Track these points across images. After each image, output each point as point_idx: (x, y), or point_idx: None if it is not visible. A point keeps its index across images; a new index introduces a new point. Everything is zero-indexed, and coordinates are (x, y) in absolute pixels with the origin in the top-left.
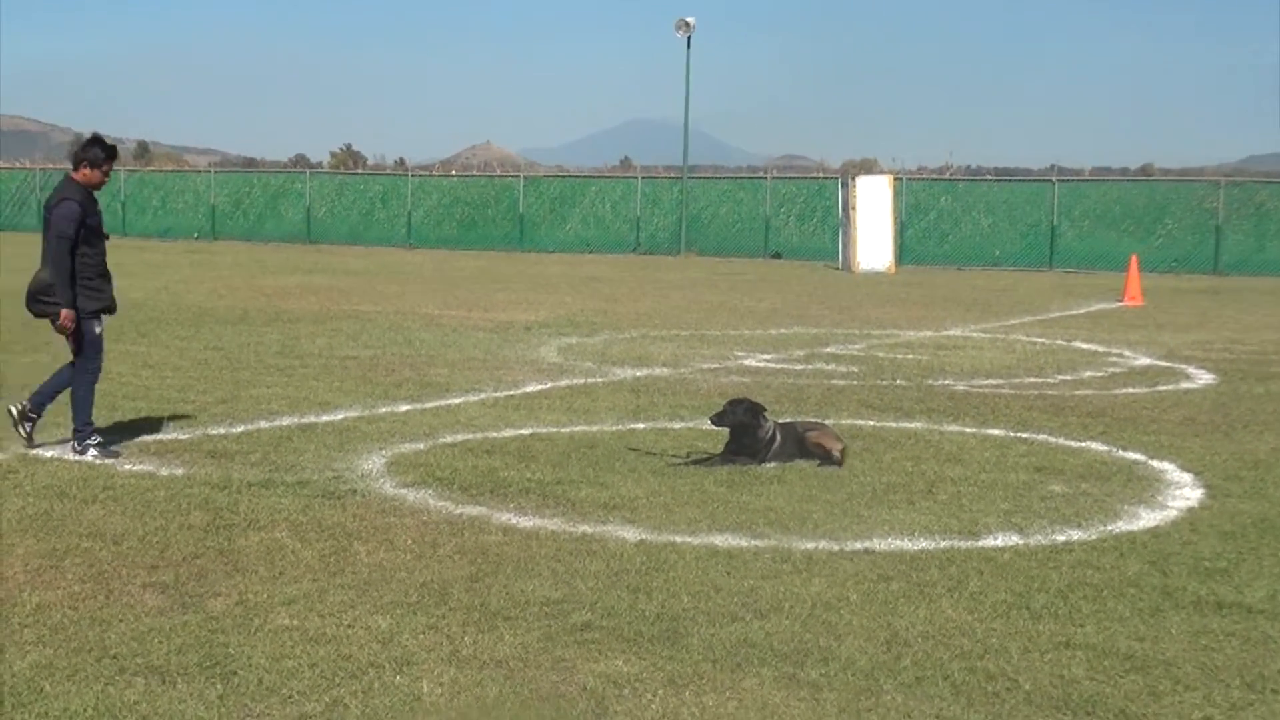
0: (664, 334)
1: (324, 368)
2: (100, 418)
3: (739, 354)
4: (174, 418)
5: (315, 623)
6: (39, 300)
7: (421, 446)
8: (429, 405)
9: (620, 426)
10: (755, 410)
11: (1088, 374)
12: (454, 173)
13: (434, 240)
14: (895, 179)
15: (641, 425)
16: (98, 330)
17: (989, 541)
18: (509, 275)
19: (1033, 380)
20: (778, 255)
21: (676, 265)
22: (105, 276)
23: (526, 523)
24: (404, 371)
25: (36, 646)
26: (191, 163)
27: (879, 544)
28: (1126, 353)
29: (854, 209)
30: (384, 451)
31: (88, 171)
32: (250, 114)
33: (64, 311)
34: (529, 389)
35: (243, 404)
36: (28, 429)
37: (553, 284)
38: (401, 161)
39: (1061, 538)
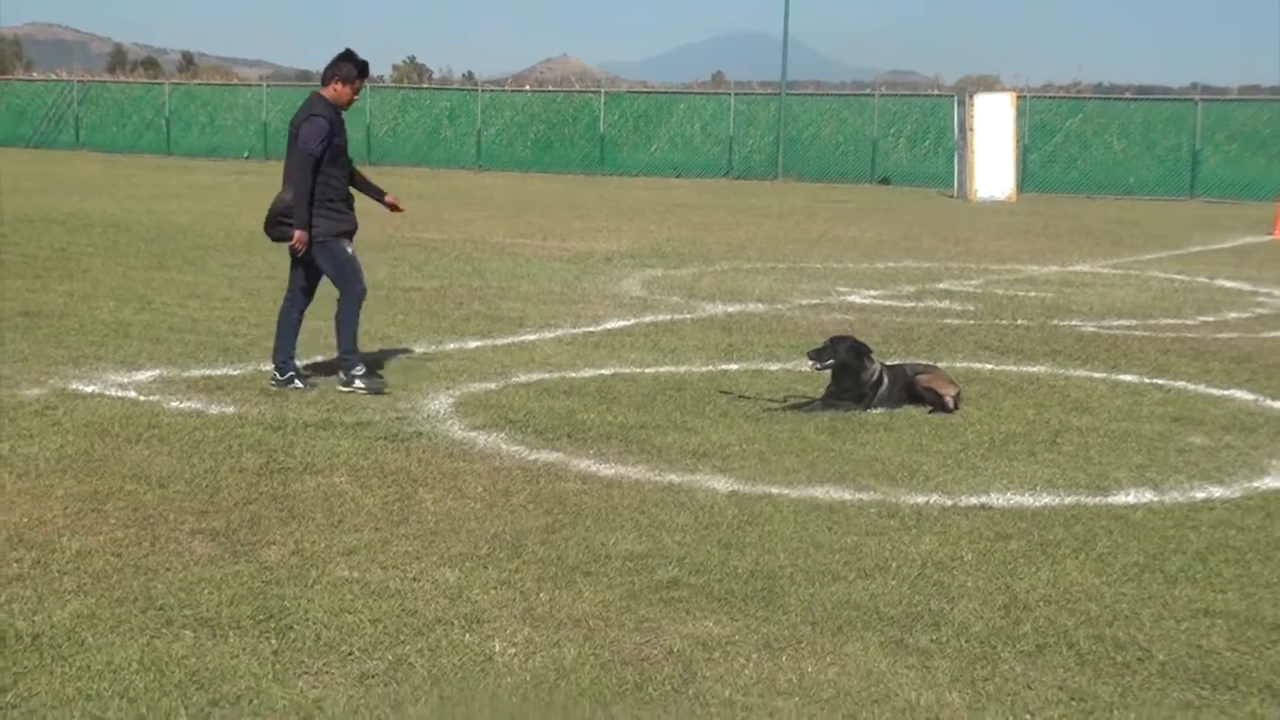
0: (759, 267)
1: (386, 299)
2: (143, 351)
3: (842, 289)
4: (224, 352)
5: (377, 575)
6: (279, 223)
7: (493, 386)
8: (501, 342)
9: (710, 367)
10: (859, 350)
11: (1232, 315)
12: (528, 88)
13: (506, 162)
14: (1018, 97)
15: (734, 366)
16: (349, 249)
17: (1119, 498)
18: (588, 201)
19: (1170, 321)
20: (886, 181)
21: (773, 191)
22: (348, 200)
23: (607, 470)
24: (473, 305)
25: (77, 595)
26: (241, 76)
27: (997, 499)
28: (1277, 292)
29: (971, 130)
30: (452, 391)
31: (339, 87)
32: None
33: (297, 233)
34: (610, 325)
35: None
36: (301, 384)
37: (636, 210)
38: (470, 76)
39: (1201, 495)
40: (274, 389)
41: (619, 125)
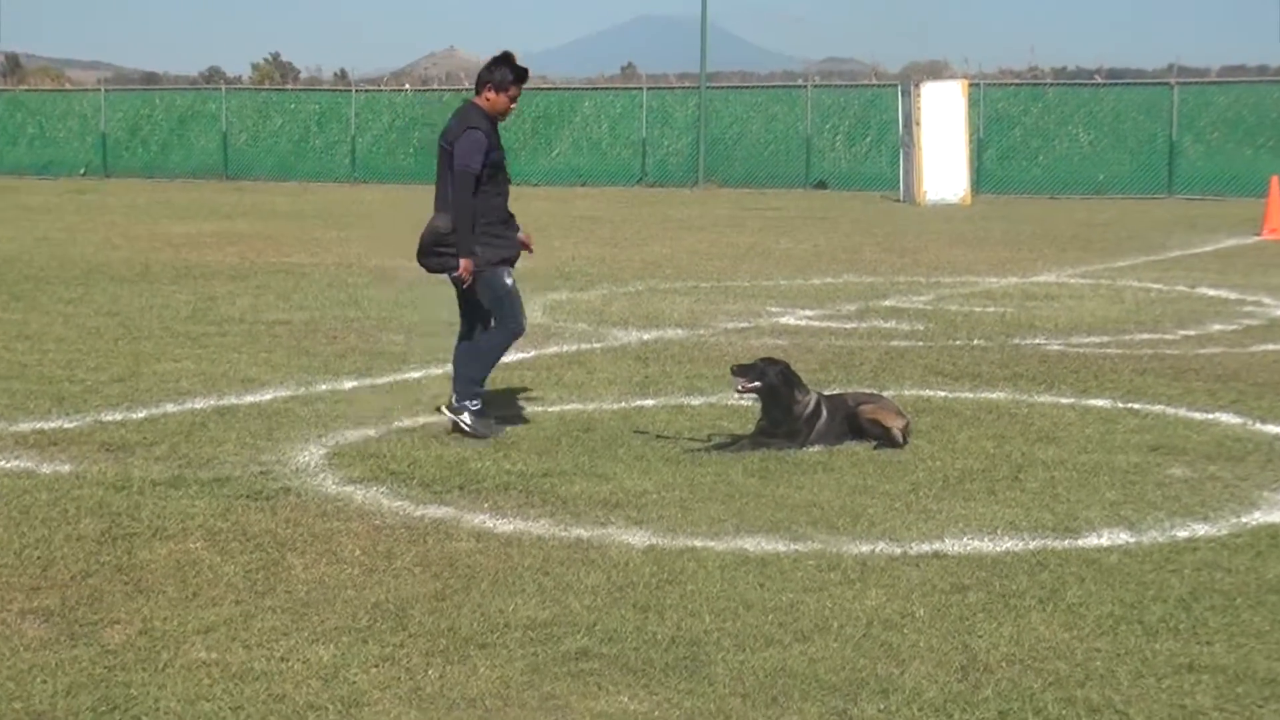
0: (678, 286)
1: (247, 335)
2: None
3: (773, 310)
4: (58, 401)
5: (239, 655)
6: (436, 253)
7: (372, 433)
8: (381, 381)
9: (623, 404)
10: (789, 378)
11: (1216, 328)
12: (409, 87)
13: (385, 173)
14: (970, 85)
15: (651, 402)
16: (509, 281)
17: (1091, 540)
18: None
19: (1146, 337)
20: (822, 185)
21: (694, 199)
22: (508, 221)
23: (505, 526)
24: (349, 339)
25: None
26: (76, 80)
27: (952, 545)
28: (1266, 300)
29: (918, 124)
30: (324, 440)
31: (492, 95)
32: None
33: (463, 261)
34: (507, 358)
35: (145, 383)
36: (486, 422)
37: (536, 225)
38: (343, 74)
39: (1183, 534)
40: (454, 425)
41: (515, 127)
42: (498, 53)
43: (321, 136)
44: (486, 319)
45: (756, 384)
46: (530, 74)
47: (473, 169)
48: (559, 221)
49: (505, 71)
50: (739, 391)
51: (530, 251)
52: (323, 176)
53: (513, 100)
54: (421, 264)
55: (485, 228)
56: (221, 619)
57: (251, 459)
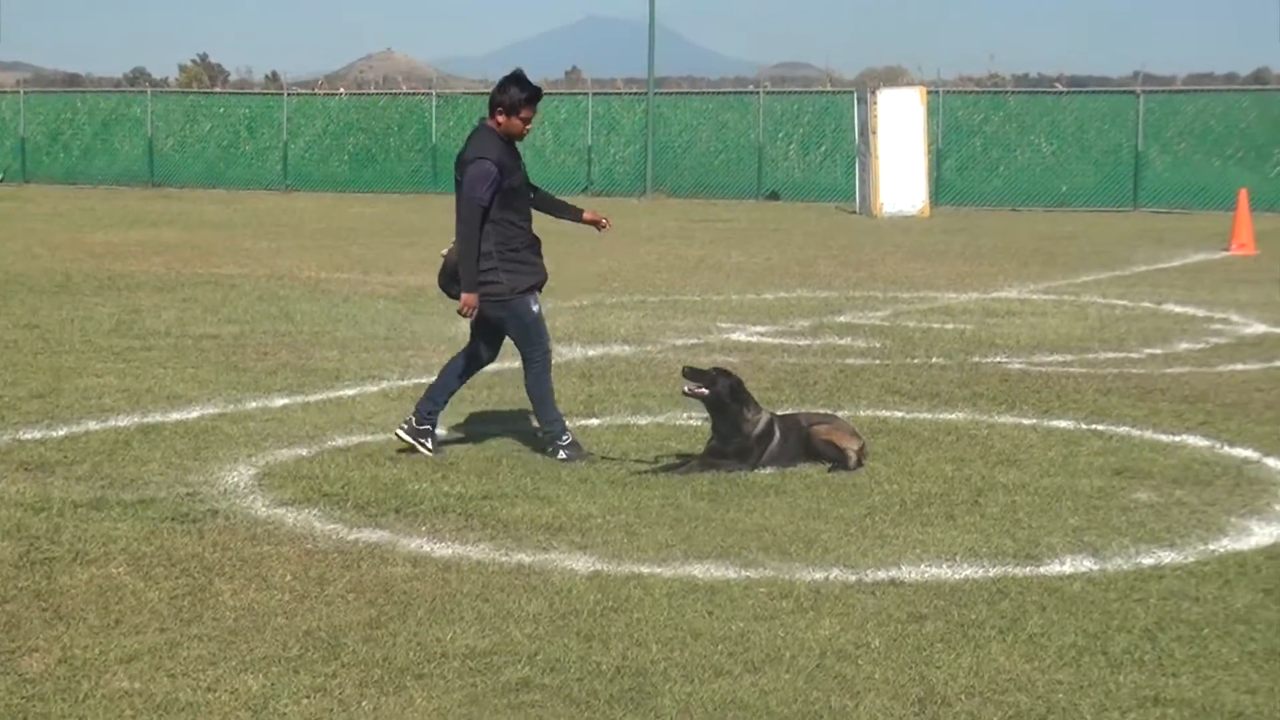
0: (624, 301)
1: (174, 350)
2: None
3: (723, 326)
4: None
5: (164, 685)
6: (455, 279)
7: (304, 453)
8: (314, 398)
9: (567, 423)
10: (738, 394)
11: (1183, 346)
12: (343, 90)
13: (318, 180)
14: (928, 92)
15: (595, 421)
16: (535, 309)
17: (1053, 568)
18: (419, 226)
19: (1111, 355)
20: (774, 195)
21: (641, 210)
22: (534, 246)
23: (443, 551)
24: (280, 354)
25: None
26: None
27: (909, 573)
28: (1235, 318)
29: (874, 133)
30: (254, 460)
31: (503, 119)
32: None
33: (464, 296)
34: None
35: (65, 399)
36: (428, 443)
37: None
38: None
39: (1149, 561)
40: (401, 438)
41: (455, 134)
42: (509, 71)
43: (252, 142)
44: (496, 343)
45: (704, 391)
46: (541, 93)
47: (480, 201)
48: None
49: (515, 91)
50: (685, 392)
51: (605, 227)
52: (253, 184)
53: (526, 122)
54: (444, 291)
55: (509, 254)
56: (145, 647)
57: (177, 480)
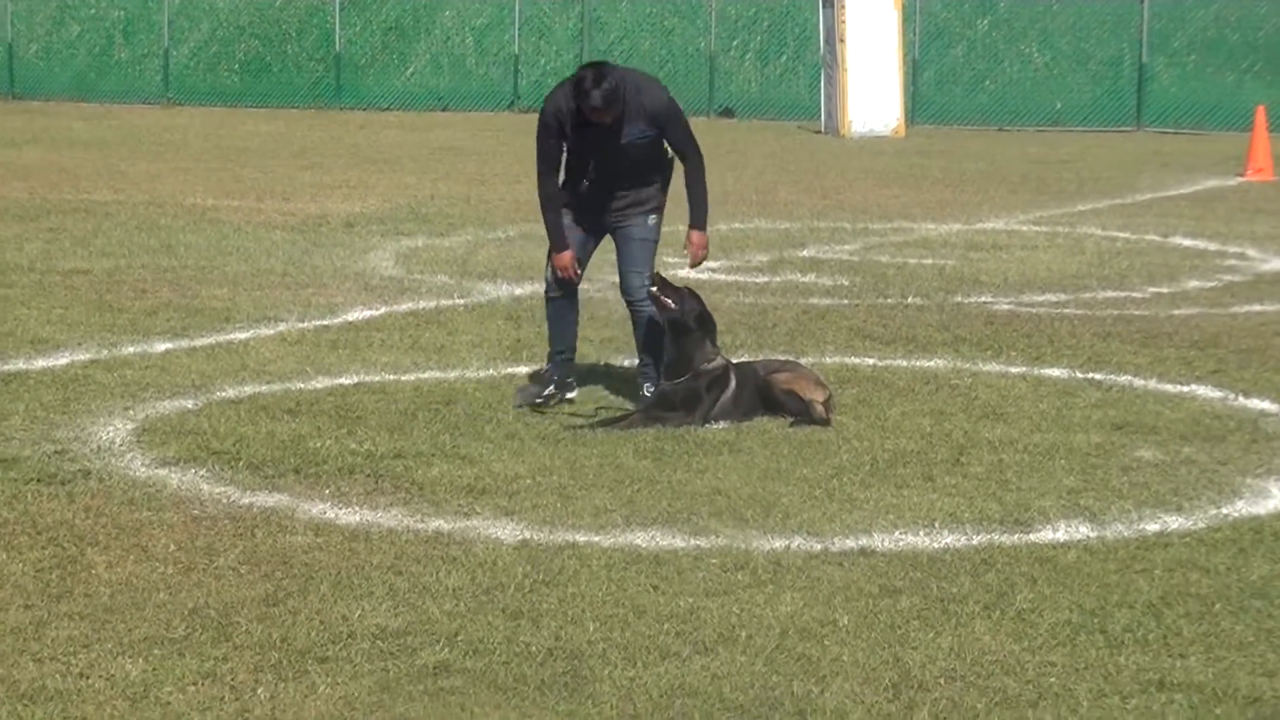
0: None
1: (38, 288)
2: None
3: (669, 261)
4: None
5: (29, 671)
6: None
7: (189, 405)
8: (200, 343)
9: (491, 371)
10: (706, 323)
11: (1193, 284)
12: None
13: (205, 93)
14: None
15: (524, 369)
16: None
17: (1045, 535)
18: (320, 145)
19: (1111, 295)
20: (728, 112)
21: None
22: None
23: (350, 517)
24: (161, 293)
25: None
26: None
27: (881, 541)
28: (1251, 252)
29: (842, 41)
30: (132, 413)
31: None
32: None
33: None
34: (351, 317)
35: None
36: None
37: (387, 158)
38: None
39: (1153, 527)
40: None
41: (361, 40)
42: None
43: (128, 48)
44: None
45: (670, 305)
46: (593, 108)
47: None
48: (414, 153)
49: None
50: (649, 293)
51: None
52: (129, 96)
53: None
54: None
55: None
56: (7, 628)
57: (44, 436)
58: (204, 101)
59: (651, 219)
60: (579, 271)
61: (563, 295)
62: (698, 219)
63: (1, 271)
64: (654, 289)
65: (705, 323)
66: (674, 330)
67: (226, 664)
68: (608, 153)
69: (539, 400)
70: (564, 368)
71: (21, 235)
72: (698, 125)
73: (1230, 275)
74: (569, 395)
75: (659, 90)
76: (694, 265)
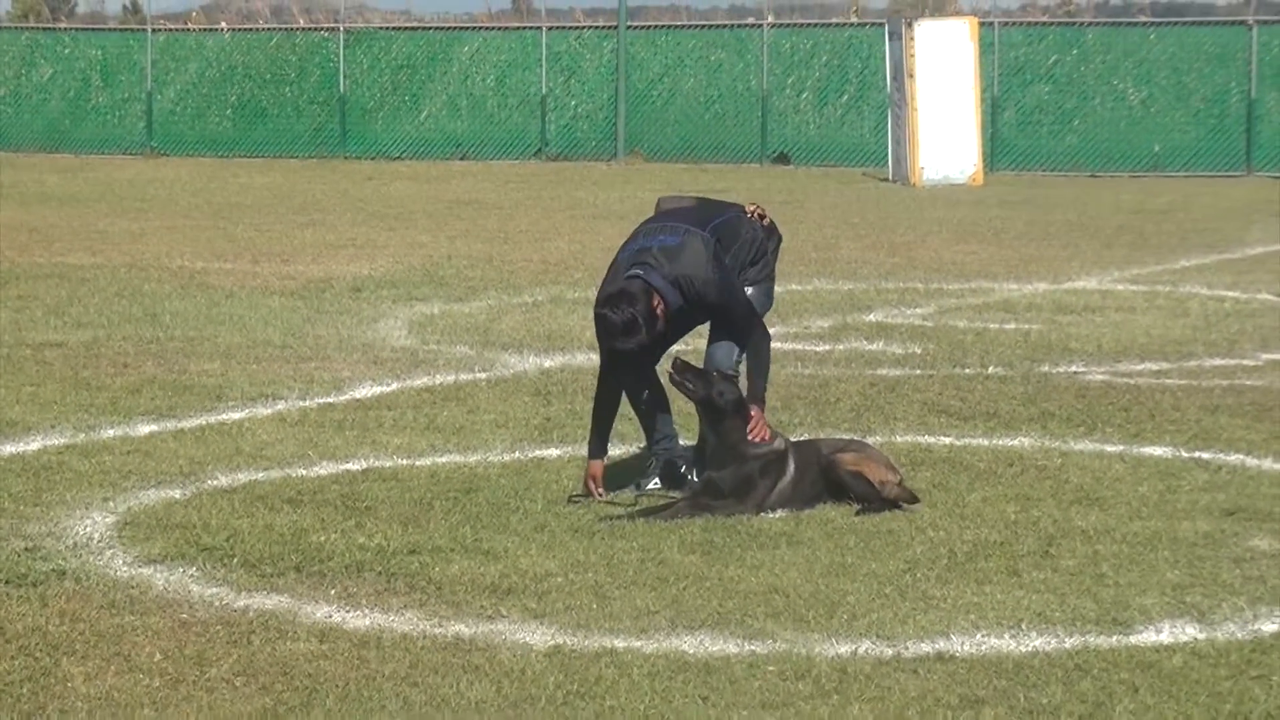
0: (591, 296)
1: (6, 363)
2: None
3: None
4: None
5: None
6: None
7: (177, 495)
8: (189, 424)
9: (517, 455)
10: (744, 407)
11: None
12: (224, 25)
13: (193, 142)
14: (980, 24)
15: (554, 452)
16: None
17: (1148, 637)
18: (322, 199)
19: (1219, 363)
20: (783, 159)
21: (611, 178)
22: None
23: (359, 621)
24: (145, 368)
25: None
26: None
27: (961, 645)
28: None
29: (912, 77)
30: (112, 504)
31: None
32: None
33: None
34: (359, 393)
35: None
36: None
37: (398, 213)
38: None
39: (1270, 627)
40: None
41: (369, 81)
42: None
43: (107, 93)
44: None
45: (693, 391)
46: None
47: None
48: (429, 207)
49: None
50: (671, 379)
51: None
52: (109, 146)
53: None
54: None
55: None
56: None
57: (13, 531)
58: (192, 151)
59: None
60: (601, 490)
61: (627, 379)
62: (755, 394)
63: None
64: (671, 376)
65: (743, 408)
66: (708, 414)
67: None
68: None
69: (640, 493)
70: (669, 456)
71: None
72: (749, 174)
73: None
74: (675, 492)
75: (702, 276)
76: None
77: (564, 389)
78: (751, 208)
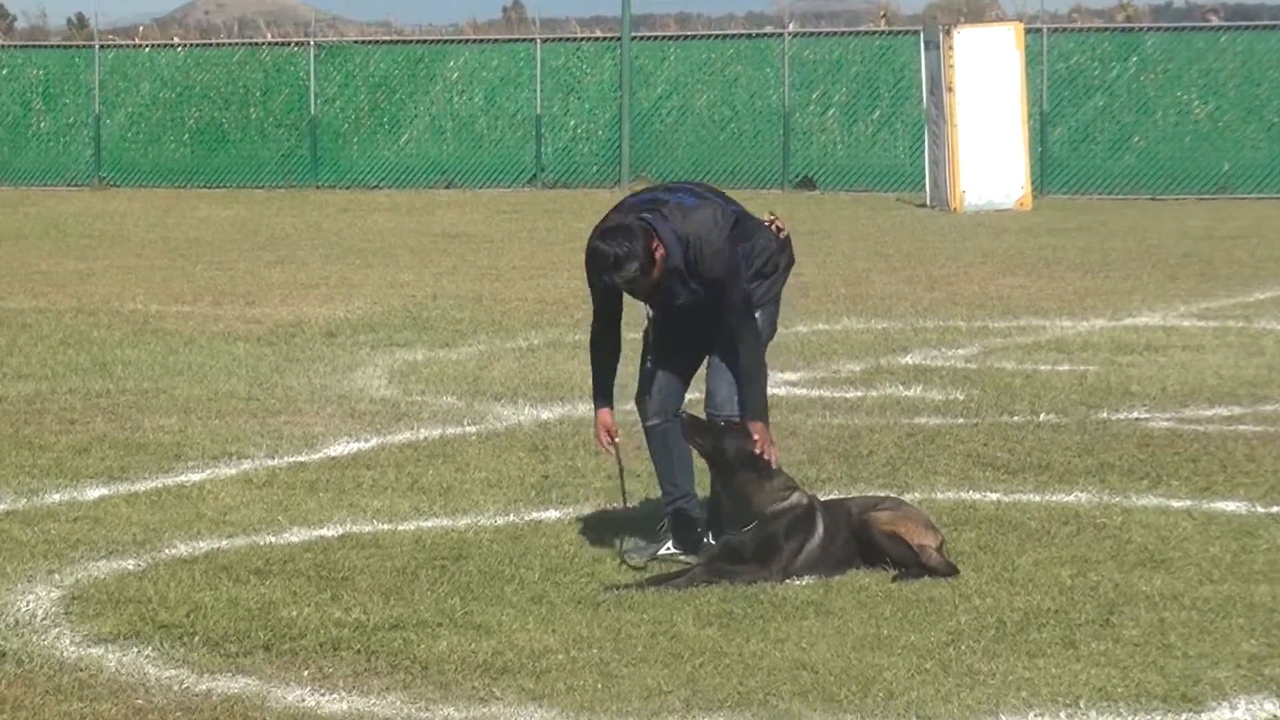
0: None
1: None
2: None
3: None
4: None
5: None
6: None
7: (131, 566)
8: (142, 487)
9: (511, 518)
10: (756, 461)
11: None
12: (178, 41)
13: (146, 171)
14: (1028, 30)
15: (553, 514)
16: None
17: (1222, 714)
18: (292, 234)
19: None
20: (808, 183)
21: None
22: None
23: (336, 705)
24: (94, 423)
25: None
26: None
27: None
28: None
29: (951, 90)
30: (58, 577)
31: None
32: None
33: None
34: (335, 451)
35: None
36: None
37: (377, 248)
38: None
39: None
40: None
41: (343, 101)
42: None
43: (50, 117)
44: None
45: (700, 444)
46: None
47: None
48: (412, 242)
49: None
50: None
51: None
52: (52, 177)
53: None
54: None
55: None
56: None
57: None
58: (145, 182)
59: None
60: (615, 440)
61: (664, 423)
62: (752, 407)
63: None
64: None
65: (755, 462)
66: (721, 475)
67: None
68: (668, 308)
69: (649, 559)
70: (683, 518)
71: None
72: (769, 200)
73: None
74: (691, 557)
75: (712, 242)
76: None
77: (563, 444)
78: (770, 218)
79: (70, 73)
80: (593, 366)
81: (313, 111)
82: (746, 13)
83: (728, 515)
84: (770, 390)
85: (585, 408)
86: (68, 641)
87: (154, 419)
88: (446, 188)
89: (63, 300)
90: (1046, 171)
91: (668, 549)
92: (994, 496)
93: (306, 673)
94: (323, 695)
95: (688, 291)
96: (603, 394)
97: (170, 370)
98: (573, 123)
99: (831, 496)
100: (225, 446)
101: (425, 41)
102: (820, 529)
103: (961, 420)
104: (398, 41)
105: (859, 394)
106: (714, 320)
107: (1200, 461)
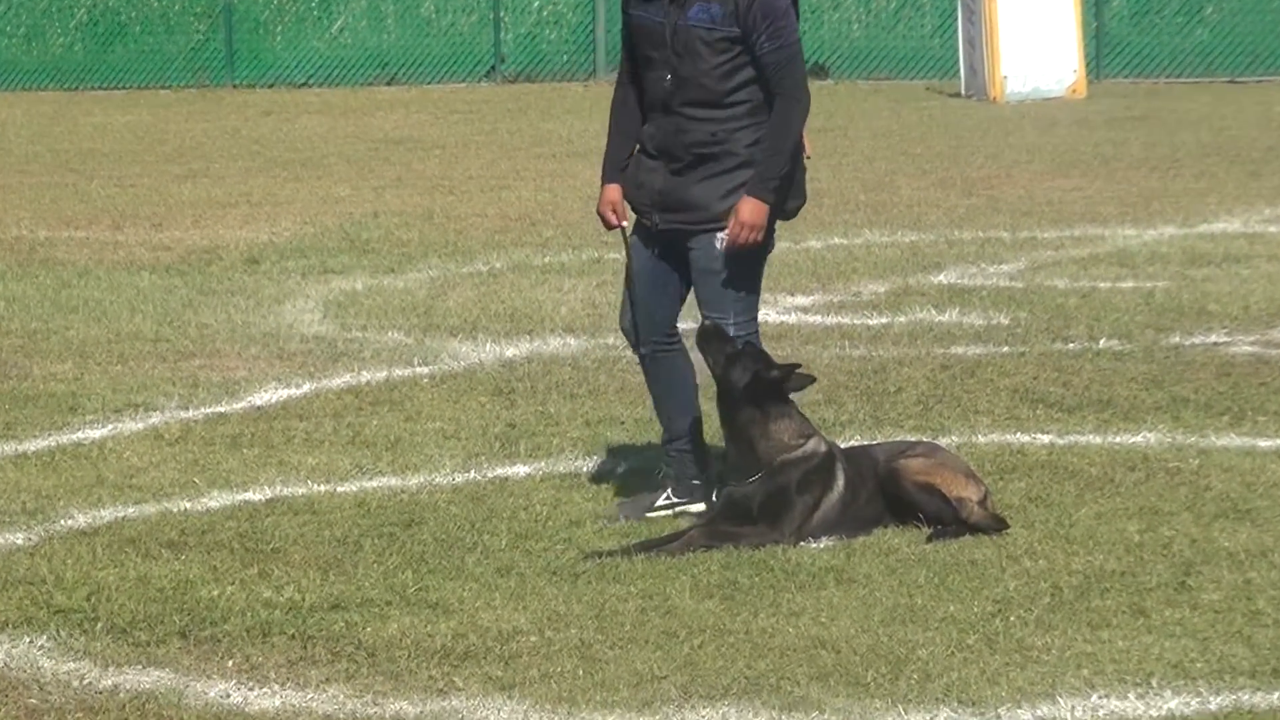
0: (566, 261)
1: None
2: None
3: None
4: None
5: None
6: None
7: (20, 540)
8: (33, 446)
9: (473, 474)
10: (763, 391)
11: None
12: None
13: (30, 72)
14: None
15: (522, 469)
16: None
17: None
18: (205, 143)
19: None
20: (820, 70)
21: (587, 103)
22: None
23: (266, 700)
24: None
25: None
26: None
27: (1072, 710)
28: None
29: None
30: None
31: None
32: None
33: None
34: (260, 400)
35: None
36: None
37: (306, 158)
38: None
39: None
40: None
41: None
42: None
43: None
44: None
45: (712, 365)
46: None
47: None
48: (348, 150)
49: None
50: (698, 345)
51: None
52: None
53: None
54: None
55: None
56: None
57: None
58: (29, 84)
59: (720, 237)
60: (624, 218)
61: (655, 350)
62: (759, 180)
63: None
64: (699, 337)
65: (763, 393)
66: (722, 408)
67: None
68: (669, 46)
69: (651, 514)
70: (683, 463)
71: None
72: None
73: None
74: (695, 506)
75: None
76: (729, 247)
77: (532, 386)
78: None
79: None
80: (609, 133)
81: None
82: None
83: (731, 462)
84: (777, 317)
85: (557, 341)
86: None
87: (44, 365)
88: (388, 84)
89: None
90: (1103, 52)
91: (667, 499)
92: (1046, 439)
93: (231, 663)
94: (250, 689)
95: (706, 18)
96: (613, 166)
97: (63, 307)
98: (537, 4)
99: (854, 443)
100: (130, 397)
101: None
102: (840, 482)
103: (1006, 349)
104: None
105: (884, 320)
106: (696, 132)
107: None
